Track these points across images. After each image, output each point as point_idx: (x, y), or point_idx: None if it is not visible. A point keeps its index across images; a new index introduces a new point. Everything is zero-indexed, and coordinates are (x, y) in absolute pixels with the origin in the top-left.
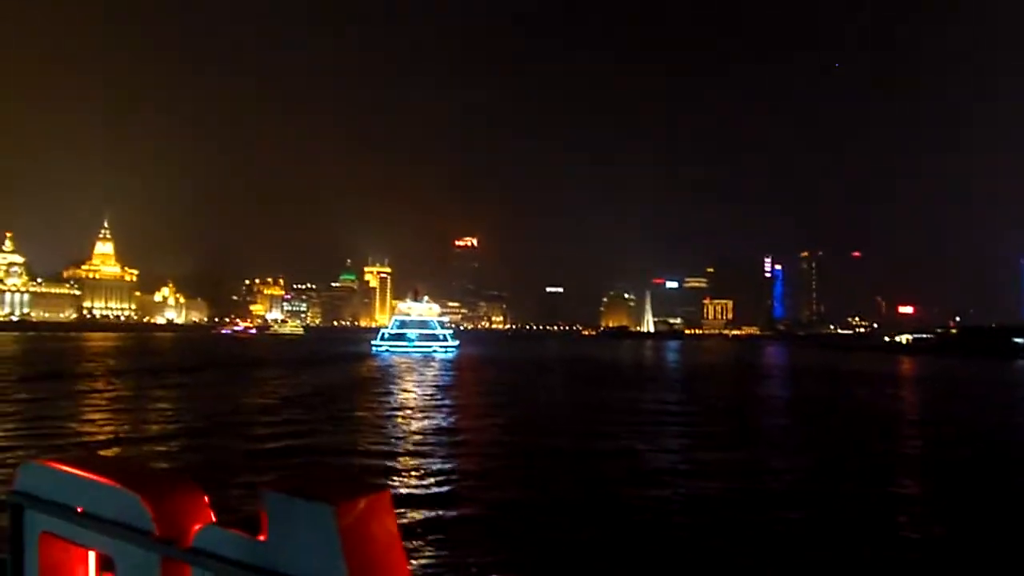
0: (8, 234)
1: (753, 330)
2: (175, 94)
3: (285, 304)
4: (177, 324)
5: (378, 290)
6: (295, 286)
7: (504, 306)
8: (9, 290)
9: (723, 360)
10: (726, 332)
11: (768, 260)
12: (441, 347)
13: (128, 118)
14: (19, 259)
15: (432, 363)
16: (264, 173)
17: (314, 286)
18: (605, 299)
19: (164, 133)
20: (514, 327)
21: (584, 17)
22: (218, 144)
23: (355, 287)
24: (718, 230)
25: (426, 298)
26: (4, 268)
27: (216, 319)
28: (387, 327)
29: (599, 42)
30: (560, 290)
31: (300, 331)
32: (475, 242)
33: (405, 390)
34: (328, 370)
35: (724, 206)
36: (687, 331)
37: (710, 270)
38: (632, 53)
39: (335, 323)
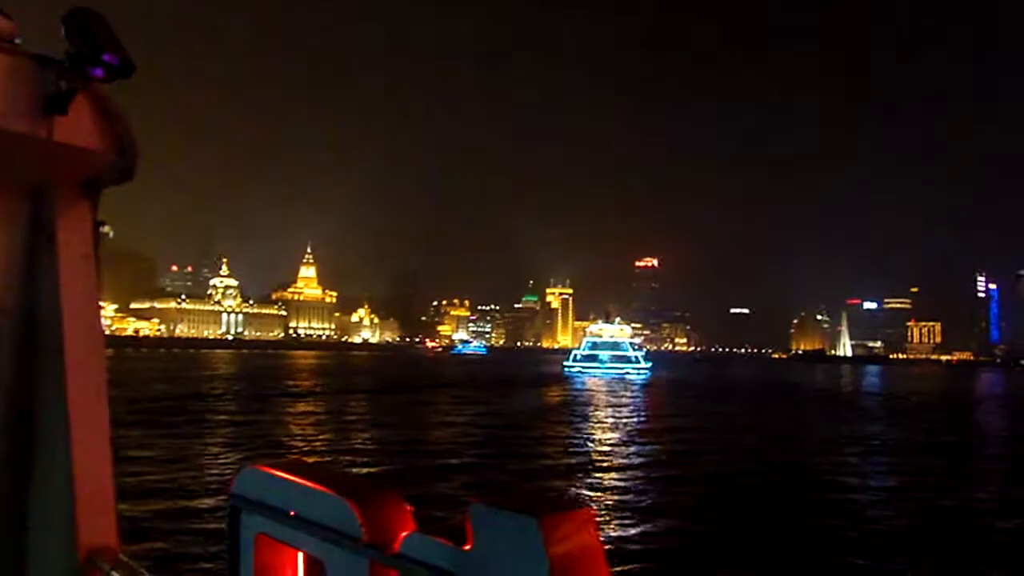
0: (224, 259)
1: (965, 355)
2: (376, 136)
3: (470, 324)
4: (371, 343)
5: (560, 311)
6: (480, 307)
7: (687, 327)
8: (226, 311)
9: (937, 387)
10: (935, 357)
11: (981, 278)
12: (634, 369)
13: (329, 154)
14: (234, 283)
15: (627, 386)
16: (452, 203)
17: (498, 307)
18: (796, 320)
19: (363, 169)
20: (700, 349)
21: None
22: (410, 177)
23: (537, 308)
24: (922, 245)
25: (618, 319)
26: (221, 291)
27: (407, 338)
28: (578, 348)
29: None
30: (746, 311)
31: (483, 351)
32: (656, 262)
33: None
34: (522, 395)
35: (929, 219)
36: (890, 355)
37: (914, 289)
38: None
39: (518, 344)
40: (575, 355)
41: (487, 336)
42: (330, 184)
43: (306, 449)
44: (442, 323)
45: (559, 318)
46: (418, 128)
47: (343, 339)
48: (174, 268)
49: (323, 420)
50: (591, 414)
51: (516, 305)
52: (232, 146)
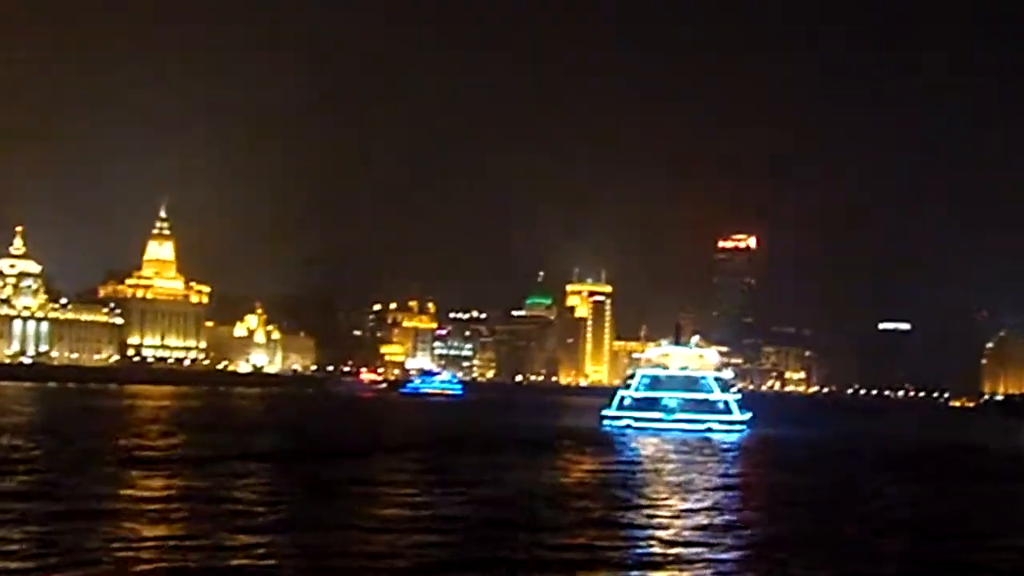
0: (18, 229)
1: None
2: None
3: (436, 344)
4: (268, 373)
5: (589, 322)
6: (454, 315)
7: (807, 353)
8: (20, 315)
9: None
10: None
11: None
12: (722, 423)
13: (196, 66)
14: (34, 268)
15: (711, 454)
16: (404, 139)
17: (484, 314)
18: (989, 345)
19: (244, 84)
20: (829, 390)
21: None
22: (332, 99)
23: (551, 317)
24: None
25: (696, 338)
26: (12, 282)
27: (328, 365)
28: (628, 385)
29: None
30: (905, 327)
31: (457, 389)
32: (751, 242)
33: None
34: (523, 470)
35: None
36: None
37: None
38: None
39: (518, 377)
40: (622, 398)
41: (466, 363)
42: (194, 111)
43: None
44: (388, 340)
45: (588, 334)
46: (347, 16)
47: (221, 366)
48: None
49: (182, 511)
50: (646, 524)
51: (516, 312)
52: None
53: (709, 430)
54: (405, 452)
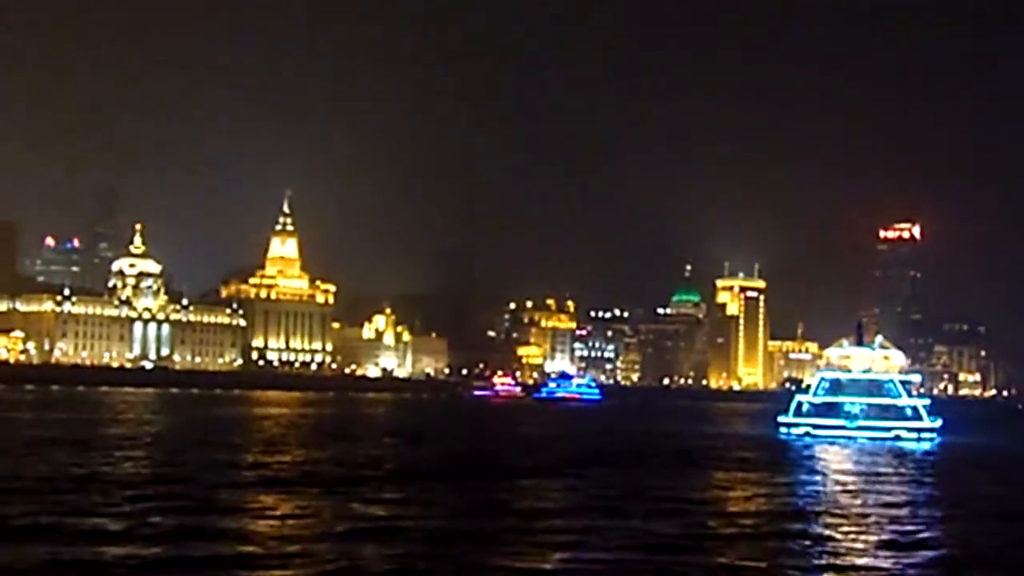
0: (137, 227)
1: None
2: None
3: (577, 345)
4: (398, 377)
5: (741, 320)
6: (594, 314)
7: (982, 352)
8: (140, 316)
9: None
10: None
11: None
12: (911, 430)
13: (321, 59)
14: (155, 267)
15: (903, 465)
16: (543, 132)
17: (627, 313)
18: None
19: (372, 76)
20: (1010, 394)
21: None
22: (464, 94)
23: (700, 315)
24: None
25: (880, 339)
26: (132, 282)
27: (461, 368)
28: (808, 390)
29: None
30: None
31: (595, 393)
32: (915, 231)
33: None
34: (683, 491)
35: None
36: None
37: None
38: None
39: (665, 379)
40: (798, 403)
41: (609, 365)
42: (320, 105)
43: None
44: (525, 341)
45: (740, 334)
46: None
47: (349, 369)
48: (50, 242)
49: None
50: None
51: (661, 310)
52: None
53: (897, 438)
54: (557, 472)
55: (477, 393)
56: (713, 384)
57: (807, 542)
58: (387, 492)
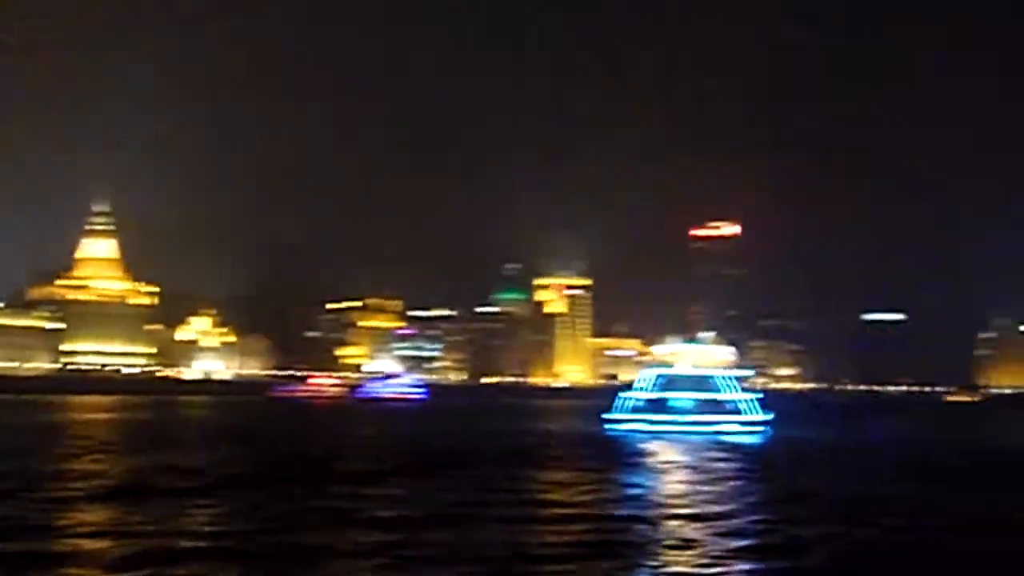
0: None
1: None
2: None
3: (400, 345)
4: (219, 380)
5: (566, 318)
6: (413, 313)
7: (796, 348)
8: None
9: None
10: None
11: None
12: (740, 423)
13: (138, 57)
14: None
15: (733, 461)
16: (363, 126)
17: (452, 312)
18: (982, 337)
19: (193, 73)
20: (821, 386)
21: None
22: (287, 94)
23: (524, 313)
24: None
25: (708, 334)
26: None
27: (284, 370)
28: (636, 385)
29: None
30: (896, 317)
31: (421, 392)
32: (735, 230)
33: None
34: (512, 492)
35: None
36: None
37: None
38: None
39: (485, 379)
40: (624, 401)
41: (432, 364)
42: (141, 103)
43: None
44: (348, 340)
45: (562, 331)
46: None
47: (168, 372)
48: None
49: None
50: None
51: (483, 309)
52: None
53: (725, 433)
54: (378, 478)
55: (298, 394)
56: (536, 381)
57: (647, 547)
58: (209, 501)
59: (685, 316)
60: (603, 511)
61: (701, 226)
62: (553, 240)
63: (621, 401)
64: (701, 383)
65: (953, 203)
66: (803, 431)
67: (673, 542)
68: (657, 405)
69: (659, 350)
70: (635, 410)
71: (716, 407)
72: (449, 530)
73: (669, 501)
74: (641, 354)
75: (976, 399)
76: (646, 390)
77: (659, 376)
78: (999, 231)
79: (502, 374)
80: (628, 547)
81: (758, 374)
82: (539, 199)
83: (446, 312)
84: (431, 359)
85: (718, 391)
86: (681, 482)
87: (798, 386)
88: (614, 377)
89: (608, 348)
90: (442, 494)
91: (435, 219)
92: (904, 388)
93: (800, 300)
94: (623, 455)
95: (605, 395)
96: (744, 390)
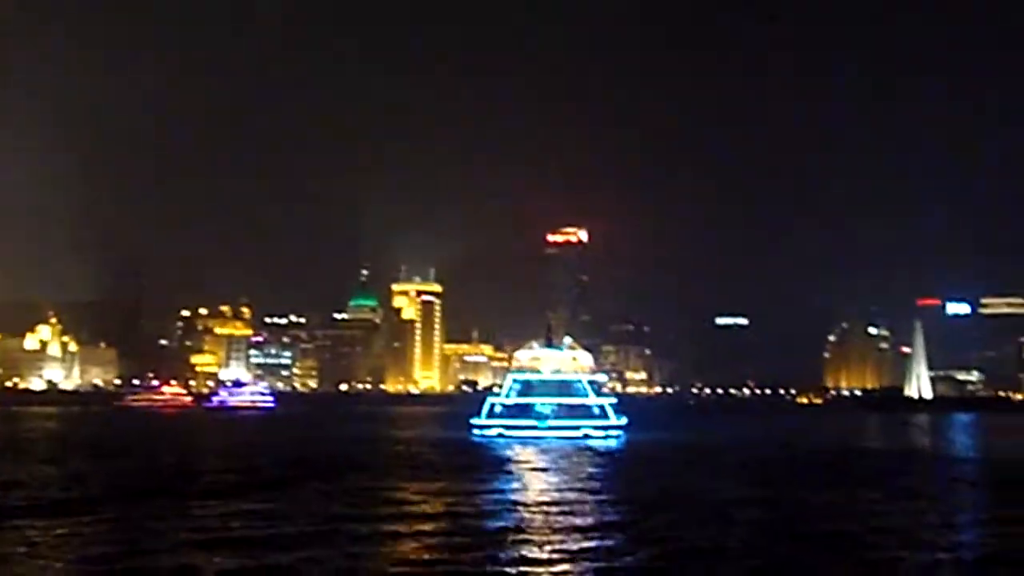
0: None
1: None
2: None
3: (253, 352)
4: (64, 390)
5: (419, 325)
6: (270, 320)
7: (646, 351)
8: None
9: None
10: None
11: None
12: (599, 428)
13: None
14: None
15: (594, 463)
16: (215, 128)
17: (303, 319)
18: (831, 338)
19: (40, 76)
20: (674, 390)
21: None
22: (137, 98)
23: (376, 320)
24: None
25: (568, 340)
26: None
27: (133, 379)
28: (500, 392)
29: None
30: (743, 322)
31: (268, 399)
32: (583, 236)
33: None
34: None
35: None
36: (998, 394)
37: None
38: None
39: (343, 385)
40: (491, 405)
41: (286, 372)
42: None
43: None
44: (199, 348)
45: (417, 337)
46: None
47: (11, 383)
48: None
49: None
50: None
51: (339, 316)
52: None
53: (586, 437)
54: (237, 492)
55: (145, 404)
56: (391, 388)
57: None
58: (64, 521)
59: (541, 321)
60: (476, 523)
61: (555, 231)
62: (408, 247)
63: (487, 406)
64: (562, 388)
65: (799, 204)
66: (656, 434)
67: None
68: (521, 410)
69: (522, 355)
70: (500, 415)
71: (577, 411)
72: (323, 548)
73: (537, 510)
74: (494, 360)
75: (822, 401)
76: (510, 395)
77: (522, 381)
78: (847, 231)
79: (358, 381)
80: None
81: (612, 379)
82: (393, 206)
83: (301, 319)
84: (286, 366)
85: (578, 396)
86: (547, 488)
87: (649, 390)
88: (474, 384)
89: (464, 354)
90: (311, 507)
91: (284, 224)
92: (755, 391)
93: (652, 305)
94: (490, 460)
95: (464, 401)
96: (600, 395)
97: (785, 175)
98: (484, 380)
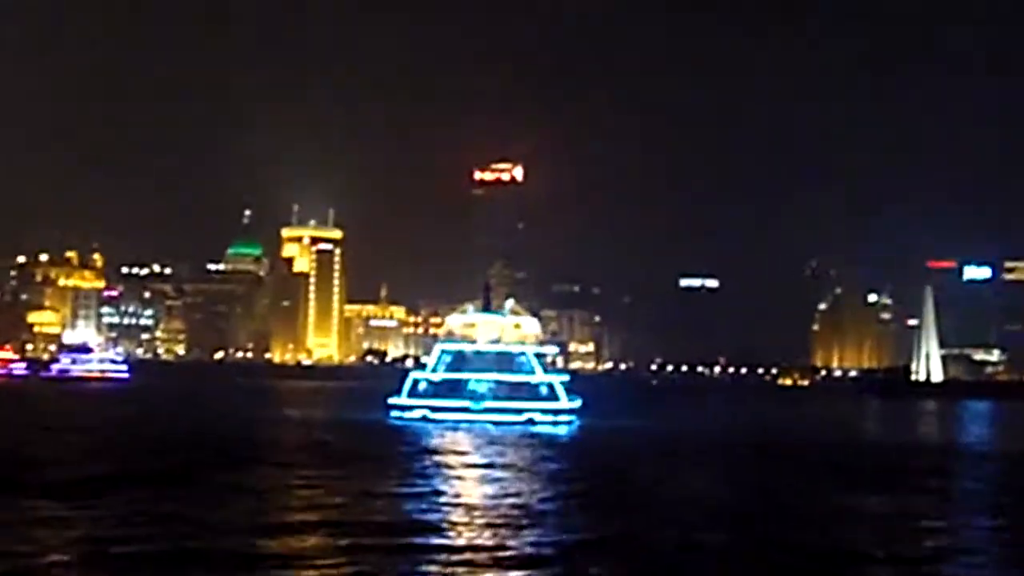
0: None
1: None
2: None
3: (105, 310)
4: None
5: (314, 280)
6: (127, 270)
7: (595, 318)
8: None
9: None
10: None
11: None
12: (546, 412)
13: None
14: None
15: (540, 457)
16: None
17: (171, 269)
18: (822, 307)
19: None
20: (628, 367)
21: None
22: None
23: (261, 272)
24: None
25: (510, 302)
26: None
27: None
28: (424, 364)
29: None
30: (712, 284)
31: (121, 368)
32: (518, 174)
33: None
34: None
35: None
36: (1022, 379)
37: None
38: None
39: (216, 353)
40: (415, 382)
41: (146, 335)
42: None
43: None
44: (39, 304)
45: (311, 296)
46: None
47: None
48: None
49: None
50: None
51: (213, 267)
52: None
53: (530, 422)
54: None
55: None
56: (277, 358)
57: None
58: None
59: (465, 279)
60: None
61: (484, 167)
62: (302, 183)
63: (409, 383)
64: (503, 362)
65: (783, 140)
66: (615, 420)
67: None
68: (452, 388)
69: (453, 321)
70: (425, 394)
71: (520, 391)
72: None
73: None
74: (407, 325)
75: (808, 381)
76: (438, 369)
77: (453, 353)
78: (844, 176)
79: (237, 348)
80: None
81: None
82: (283, 137)
83: (166, 269)
84: (146, 328)
85: (522, 372)
86: (483, 492)
87: (597, 366)
88: (382, 354)
89: (369, 317)
90: (183, 512)
91: (149, 152)
92: (728, 369)
93: (602, 262)
94: (411, 452)
95: (370, 375)
96: (548, 371)
97: (766, 101)
98: (394, 350)
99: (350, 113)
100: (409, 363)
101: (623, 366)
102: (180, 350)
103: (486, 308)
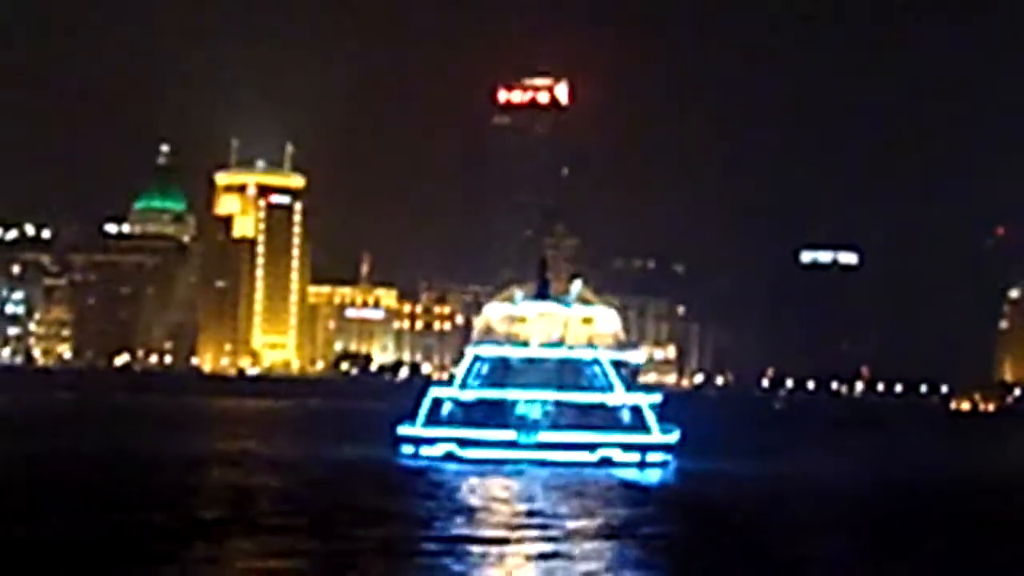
0: None
1: None
2: None
3: None
4: None
5: (263, 248)
6: None
7: (680, 310)
8: None
9: None
10: None
11: None
12: (627, 449)
13: None
14: None
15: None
16: None
17: (49, 233)
18: (1014, 294)
19: None
20: (726, 380)
21: None
22: None
23: (185, 237)
24: None
25: (577, 285)
26: None
27: None
28: (451, 377)
29: None
30: (850, 259)
31: None
32: (561, 94)
33: None
34: None
35: None
36: None
37: None
38: None
39: (117, 357)
40: (437, 402)
41: (15, 329)
42: None
43: None
44: None
45: (258, 272)
46: None
47: None
48: None
49: None
50: None
51: (115, 228)
52: None
53: (606, 463)
54: None
55: None
56: (209, 364)
57: None
58: None
59: (494, 251)
60: None
61: (513, 84)
62: (245, 109)
63: (427, 404)
64: (566, 373)
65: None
66: (728, 462)
67: None
68: (492, 412)
69: (493, 312)
70: (453, 421)
71: (592, 416)
72: None
73: None
74: (402, 317)
75: (995, 406)
76: (471, 385)
77: (493, 360)
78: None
79: (148, 349)
80: None
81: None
82: (220, 37)
83: (44, 232)
84: (13, 320)
85: (595, 389)
86: None
87: (680, 379)
88: (364, 359)
89: (345, 304)
90: None
91: (31, 72)
92: (873, 386)
93: (687, 227)
94: (435, 514)
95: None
96: (632, 388)
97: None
98: (381, 353)
99: (302, 22)
100: (404, 373)
101: (719, 379)
102: (65, 352)
103: (542, 294)
